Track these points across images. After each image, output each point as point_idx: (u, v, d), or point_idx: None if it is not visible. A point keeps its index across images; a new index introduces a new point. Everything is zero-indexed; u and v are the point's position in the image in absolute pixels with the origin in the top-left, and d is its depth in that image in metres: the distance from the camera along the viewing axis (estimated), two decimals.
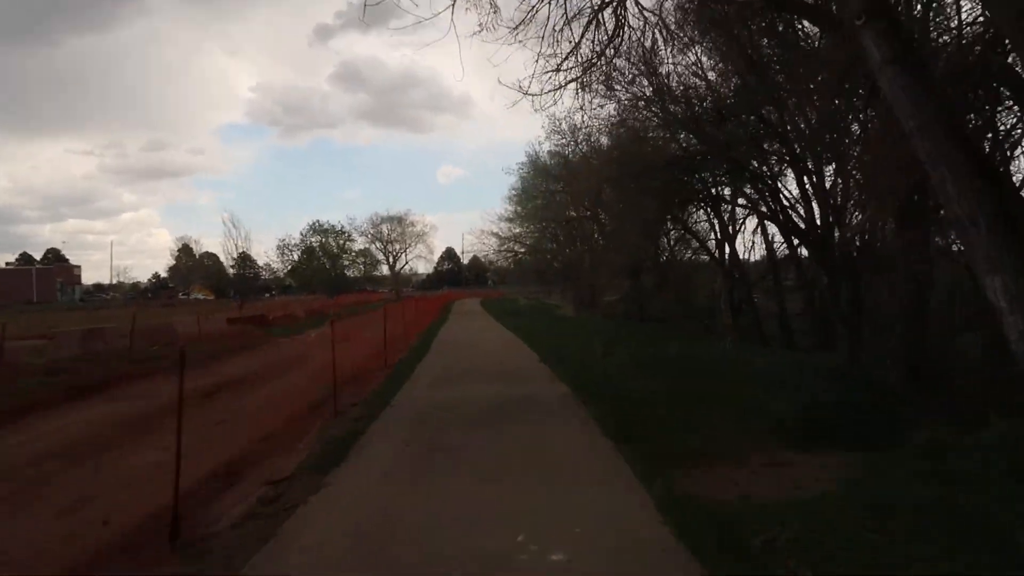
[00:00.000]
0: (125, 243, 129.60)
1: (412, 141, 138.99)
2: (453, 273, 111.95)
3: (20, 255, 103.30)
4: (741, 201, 21.62)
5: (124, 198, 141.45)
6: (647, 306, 32.95)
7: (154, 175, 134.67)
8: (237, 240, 50.71)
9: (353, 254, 73.50)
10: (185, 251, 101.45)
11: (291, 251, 68.27)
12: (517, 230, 52.72)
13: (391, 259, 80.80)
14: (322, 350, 10.60)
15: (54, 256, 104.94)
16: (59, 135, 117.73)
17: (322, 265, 67.41)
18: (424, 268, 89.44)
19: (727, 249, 23.90)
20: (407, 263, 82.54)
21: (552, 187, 38.19)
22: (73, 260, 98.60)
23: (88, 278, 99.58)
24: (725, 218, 23.51)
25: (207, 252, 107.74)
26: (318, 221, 69.14)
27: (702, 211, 24.42)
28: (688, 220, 25.02)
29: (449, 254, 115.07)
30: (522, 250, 51.95)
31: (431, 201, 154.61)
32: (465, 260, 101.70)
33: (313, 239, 67.90)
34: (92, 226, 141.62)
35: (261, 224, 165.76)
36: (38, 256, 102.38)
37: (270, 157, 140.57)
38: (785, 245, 19.67)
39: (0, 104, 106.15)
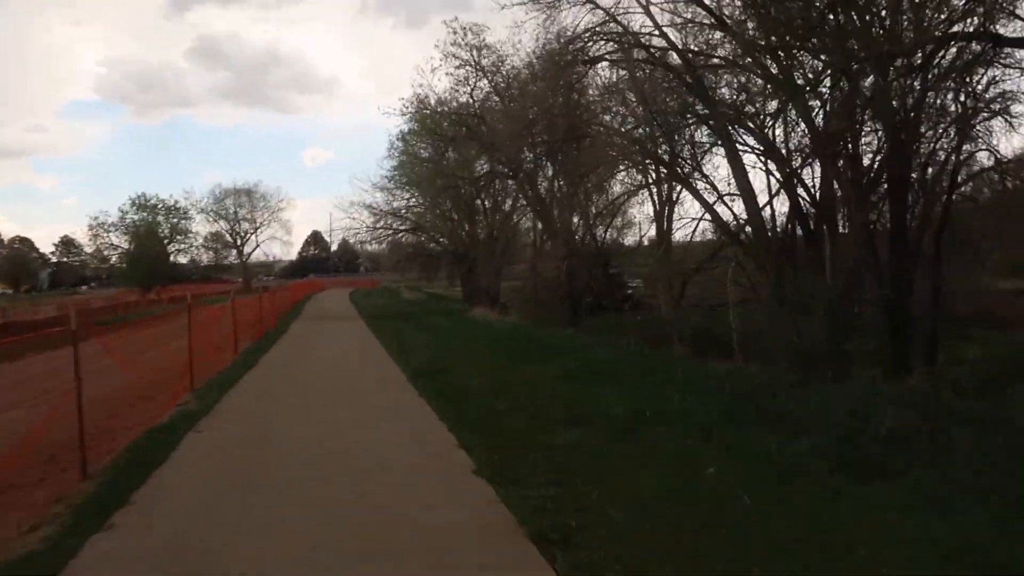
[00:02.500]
0: None
1: (277, 122, 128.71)
2: (319, 260, 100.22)
3: None
4: None
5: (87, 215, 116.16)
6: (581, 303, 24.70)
7: None
8: None
9: (192, 236, 59.65)
10: None
11: (107, 232, 53.69)
12: (398, 203, 42.57)
13: (239, 241, 67.43)
14: None
15: None
16: None
17: (148, 249, 53.53)
18: (282, 252, 76.95)
19: None
20: (258, 246, 69.60)
21: (447, 136, 28.58)
22: None
23: None
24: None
25: (18, 236, 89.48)
26: (143, 194, 55.00)
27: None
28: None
29: (315, 238, 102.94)
30: (403, 227, 42.05)
31: (298, 185, 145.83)
32: (334, 245, 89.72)
33: (136, 217, 53.68)
34: None
35: (113, 208, 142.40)
36: None
37: (123, 137, 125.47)
38: None
39: None
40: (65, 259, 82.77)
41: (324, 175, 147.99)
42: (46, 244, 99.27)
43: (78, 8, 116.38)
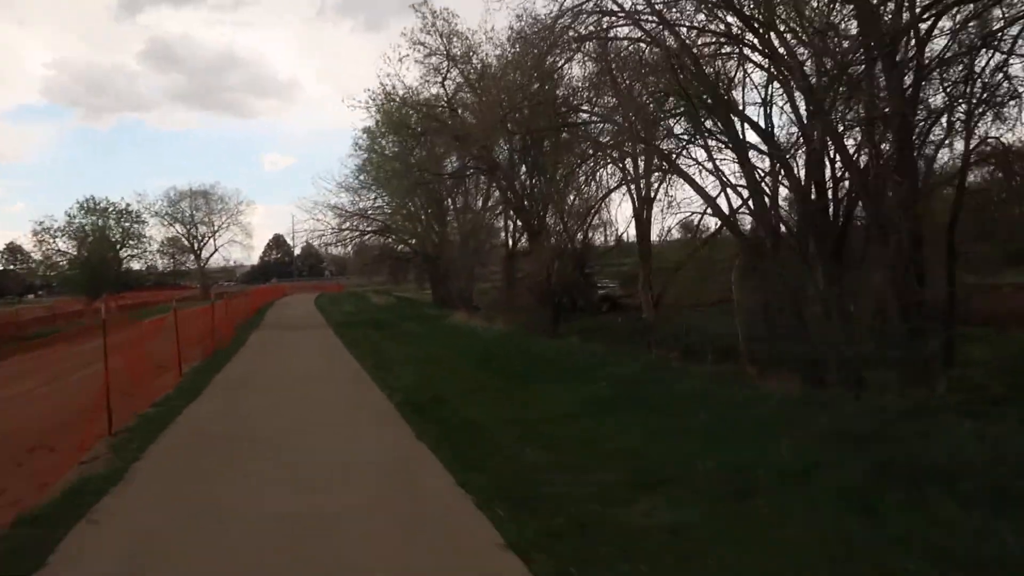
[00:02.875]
0: None
1: (234, 126, 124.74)
2: (282, 264, 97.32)
3: None
4: None
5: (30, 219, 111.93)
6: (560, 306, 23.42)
7: None
8: None
9: (147, 240, 56.46)
10: None
11: (54, 237, 50.47)
12: (364, 203, 40.83)
13: (196, 246, 64.29)
14: None
15: None
16: None
17: (95, 255, 50.48)
18: (244, 257, 74.05)
19: None
20: (216, 251, 66.43)
21: (417, 131, 27.01)
22: None
23: None
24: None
25: None
26: (92, 198, 51.81)
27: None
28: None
29: (277, 242, 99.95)
30: (370, 229, 40.28)
31: (259, 191, 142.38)
32: (297, 248, 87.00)
33: (84, 221, 50.51)
34: None
35: (61, 213, 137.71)
36: None
37: (73, 141, 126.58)
38: None
39: None
40: (12, 267, 78.56)
41: (285, 180, 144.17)
42: None
43: (22, 7, 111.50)
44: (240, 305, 28.42)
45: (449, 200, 33.70)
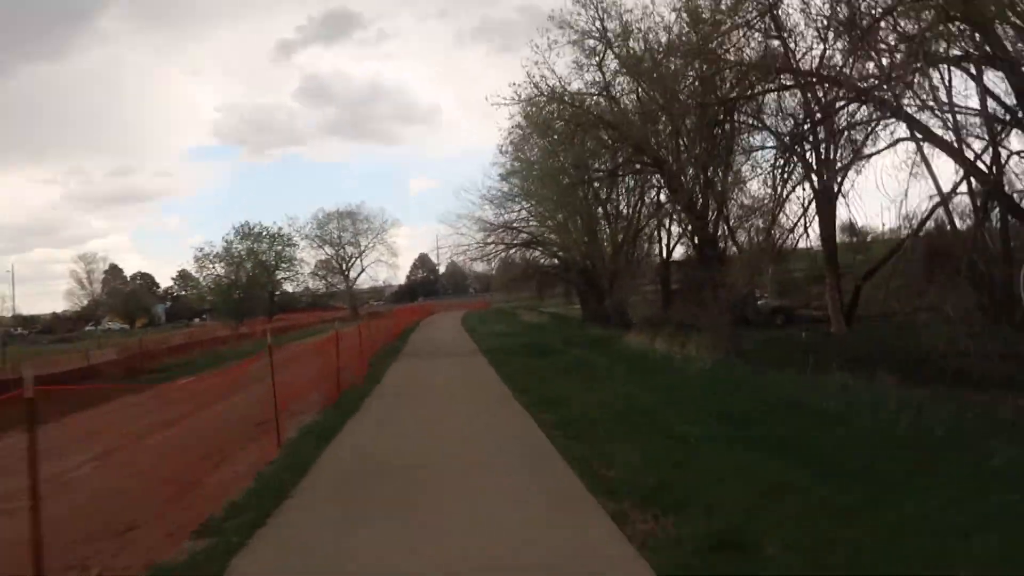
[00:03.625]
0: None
1: (382, 153, 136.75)
2: (428, 283, 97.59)
3: None
4: None
5: (92, 225, 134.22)
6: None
7: (121, 200, 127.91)
8: None
9: (298, 263, 57.16)
10: (113, 272, 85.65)
11: (212, 263, 52.02)
12: (508, 216, 37.60)
13: (344, 266, 64.60)
14: None
15: None
16: (18, 165, 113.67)
17: (255, 279, 51.40)
18: (390, 276, 73.99)
19: None
20: (363, 271, 66.41)
21: (569, 126, 23.25)
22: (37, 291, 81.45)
23: (44, 308, 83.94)
24: None
25: (139, 272, 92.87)
26: (247, 223, 53.01)
27: None
28: None
29: (422, 261, 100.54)
30: (516, 242, 36.87)
31: (405, 214, 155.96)
32: (442, 266, 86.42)
33: (239, 246, 51.61)
34: (59, 255, 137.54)
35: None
36: None
37: (239, 176, 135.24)
38: None
39: None
40: (183, 292, 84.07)
41: (429, 202, 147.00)
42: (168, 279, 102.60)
43: (195, 60, 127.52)
44: (384, 327, 25.80)
45: (599, 208, 29.56)
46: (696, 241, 24.19)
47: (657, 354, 15.18)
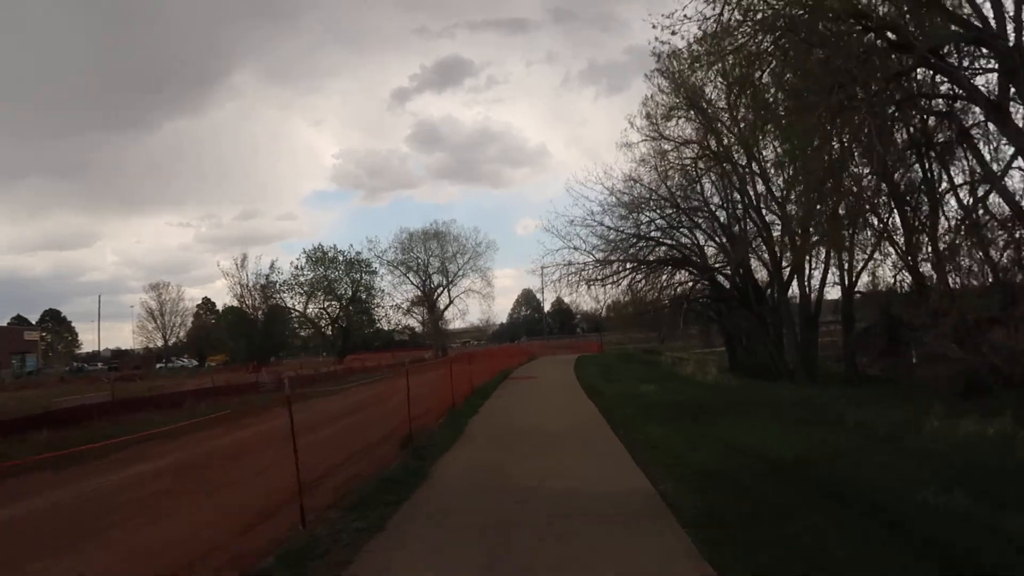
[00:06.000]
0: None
1: (491, 195, 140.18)
2: (532, 321, 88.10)
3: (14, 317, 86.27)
4: None
5: (220, 265, 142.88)
6: None
7: (246, 242, 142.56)
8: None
9: (376, 292, 48.58)
10: (206, 307, 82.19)
11: (281, 293, 44.73)
12: (631, 229, 27.52)
13: (429, 297, 54.76)
14: None
15: (51, 318, 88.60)
16: (159, 211, 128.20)
17: (330, 308, 43.53)
18: (483, 309, 64.19)
19: None
20: (451, 302, 54.86)
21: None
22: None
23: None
24: None
25: (230, 307, 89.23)
26: (320, 246, 45.34)
27: None
28: None
29: (526, 297, 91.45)
30: (650, 257, 26.50)
31: (512, 257, 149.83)
32: (547, 304, 76.27)
33: (309, 274, 43.94)
34: (189, 293, 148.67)
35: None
36: None
37: (354, 218, 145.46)
38: None
39: (106, 186, 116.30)
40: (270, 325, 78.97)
41: (536, 244, 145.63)
42: None
43: (317, 111, 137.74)
44: (458, 376, 15.83)
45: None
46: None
47: None
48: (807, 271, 24.62)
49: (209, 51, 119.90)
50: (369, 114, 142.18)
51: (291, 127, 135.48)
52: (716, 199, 26.11)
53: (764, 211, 23.39)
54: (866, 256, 24.40)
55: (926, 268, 22.77)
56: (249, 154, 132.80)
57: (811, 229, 19.82)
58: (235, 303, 45.90)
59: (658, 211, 26.00)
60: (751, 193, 23.48)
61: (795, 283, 24.83)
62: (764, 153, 20.68)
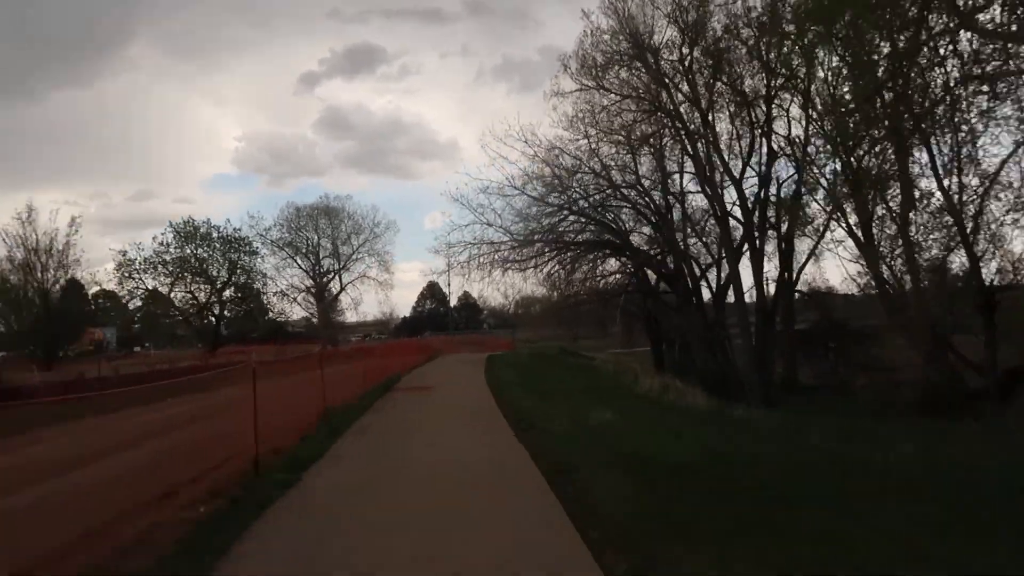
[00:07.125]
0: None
1: (399, 188, 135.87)
2: (437, 315, 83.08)
3: None
4: None
5: (110, 248, 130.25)
6: None
7: (140, 225, 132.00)
8: None
9: (263, 278, 41.92)
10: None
11: (140, 274, 37.55)
12: (560, 200, 23.35)
13: (317, 282, 48.03)
14: None
15: None
16: (43, 187, 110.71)
17: (199, 293, 36.92)
18: (375, 301, 58.23)
19: None
20: (343, 288, 49.46)
21: None
22: None
23: None
24: None
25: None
26: (191, 219, 38.60)
27: None
28: None
29: (431, 290, 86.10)
30: (580, 238, 22.40)
31: (419, 250, 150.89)
32: (453, 298, 71.15)
33: (176, 250, 36.97)
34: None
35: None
36: None
37: (256, 204, 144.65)
38: None
39: None
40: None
41: (443, 234, 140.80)
42: None
43: (220, 91, 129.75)
44: (302, 390, 10.67)
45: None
46: None
47: None
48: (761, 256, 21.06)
49: (103, 17, 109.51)
50: (275, 97, 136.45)
51: (192, 105, 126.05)
52: (659, 175, 22.09)
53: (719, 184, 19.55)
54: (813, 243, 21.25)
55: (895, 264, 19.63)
56: (144, 131, 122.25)
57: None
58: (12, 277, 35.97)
59: (592, 183, 21.66)
60: (703, 162, 19.56)
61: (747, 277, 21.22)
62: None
